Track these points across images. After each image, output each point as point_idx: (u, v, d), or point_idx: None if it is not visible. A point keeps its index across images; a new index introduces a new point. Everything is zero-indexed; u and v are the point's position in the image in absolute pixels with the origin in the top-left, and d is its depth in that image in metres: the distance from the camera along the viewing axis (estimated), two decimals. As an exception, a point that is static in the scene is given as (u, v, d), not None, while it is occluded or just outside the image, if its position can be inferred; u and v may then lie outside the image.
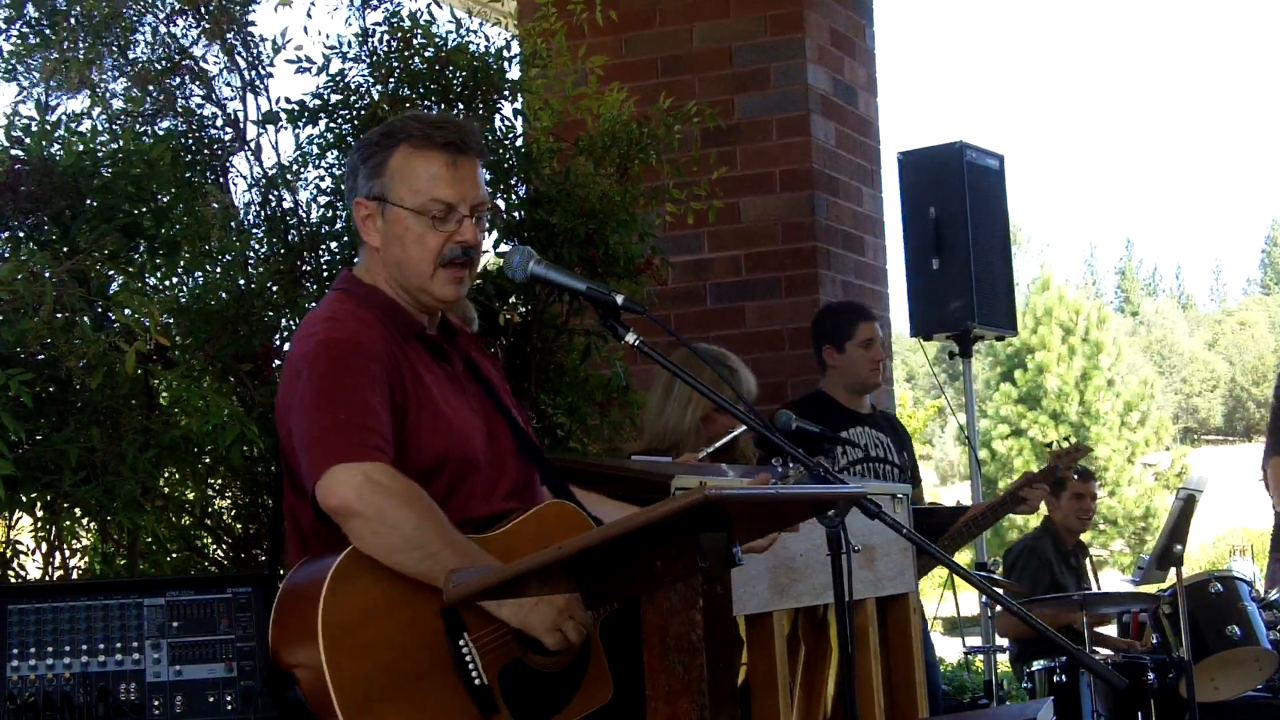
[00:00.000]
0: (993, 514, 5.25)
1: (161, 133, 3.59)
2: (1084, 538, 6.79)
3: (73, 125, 3.40)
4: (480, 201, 2.68)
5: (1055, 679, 5.23)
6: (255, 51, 3.67)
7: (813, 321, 5.22)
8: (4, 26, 3.49)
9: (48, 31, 3.44)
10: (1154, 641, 5.54)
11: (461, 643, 2.44)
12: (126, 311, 2.99)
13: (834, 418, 4.91)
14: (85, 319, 3.01)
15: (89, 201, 3.19)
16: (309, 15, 3.79)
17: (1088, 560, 6.66)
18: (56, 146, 3.26)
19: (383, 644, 2.37)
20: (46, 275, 2.89)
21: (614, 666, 2.67)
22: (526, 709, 2.49)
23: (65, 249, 3.09)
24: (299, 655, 2.35)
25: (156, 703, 2.49)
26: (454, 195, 2.63)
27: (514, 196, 4.03)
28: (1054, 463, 5.33)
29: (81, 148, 3.25)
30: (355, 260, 2.85)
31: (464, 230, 2.64)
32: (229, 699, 2.52)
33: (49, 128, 3.29)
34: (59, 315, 2.97)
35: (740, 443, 3.89)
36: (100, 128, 3.49)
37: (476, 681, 2.43)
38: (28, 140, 3.26)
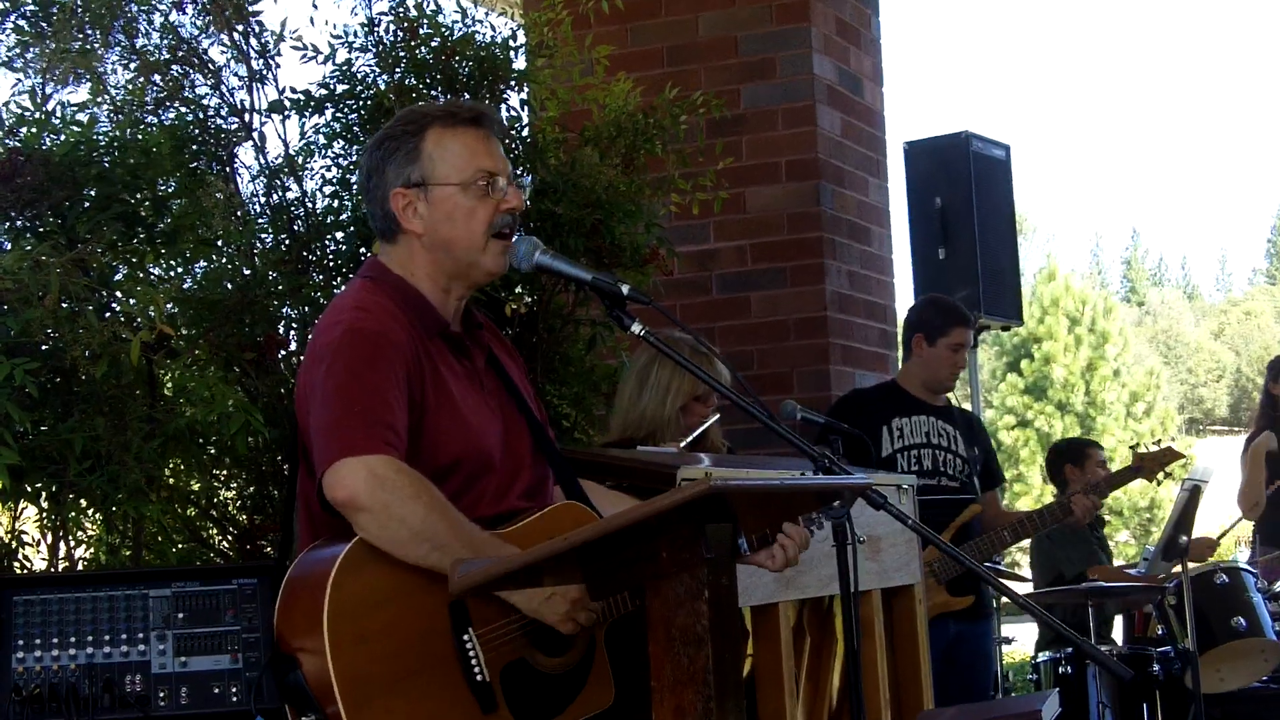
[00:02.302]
0: (1040, 521, 5.07)
1: (167, 122, 3.59)
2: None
3: (69, 115, 3.38)
4: (511, 173, 2.72)
5: (1061, 670, 5.24)
6: (261, 41, 3.66)
7: (913, 308, 5.27)
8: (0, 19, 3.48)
9: (44, 24, 3.42)
10: (1159, 632, 5.54)
11: (465, 638, 2.43)
12: (131, 301, 2.99)
13: (902, 404, 4.99)
14: (89, 308, 3.00)
15: (87, 191, 3.18)
16: (314, 6, 3.78)
17: (1099, 532, 6.69)
18: (53, 136, 3.25)
19: (387, 634, 2.36)
20: (51, 262, 2.88)
21: (617, 671, 2.67)
22: (527, 708, 2.49)
23: (65, 239, 3.08)
24: (303, 640, 2.34)
25: (162, 694, 2.49)
26: (494, 164, 2.67)
27: (523, 182, 4.02)
28: (1137, 464, 5.18)
29: (79, 137, 3.23)
30: (364, 252, 2.85)
31: (511, 196, 2.67)
32: (234, 690, 2.52)
33: (45, 117, 3.28)
34: (64, 305, 2.96)
35: (711, 433, 3.87)
36: (101, 117, 3.48)
37: (478, 677, 2.43)
38: (24, 131, 3.25)
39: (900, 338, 5.23)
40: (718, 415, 3.85)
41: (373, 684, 2.33)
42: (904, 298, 6.84)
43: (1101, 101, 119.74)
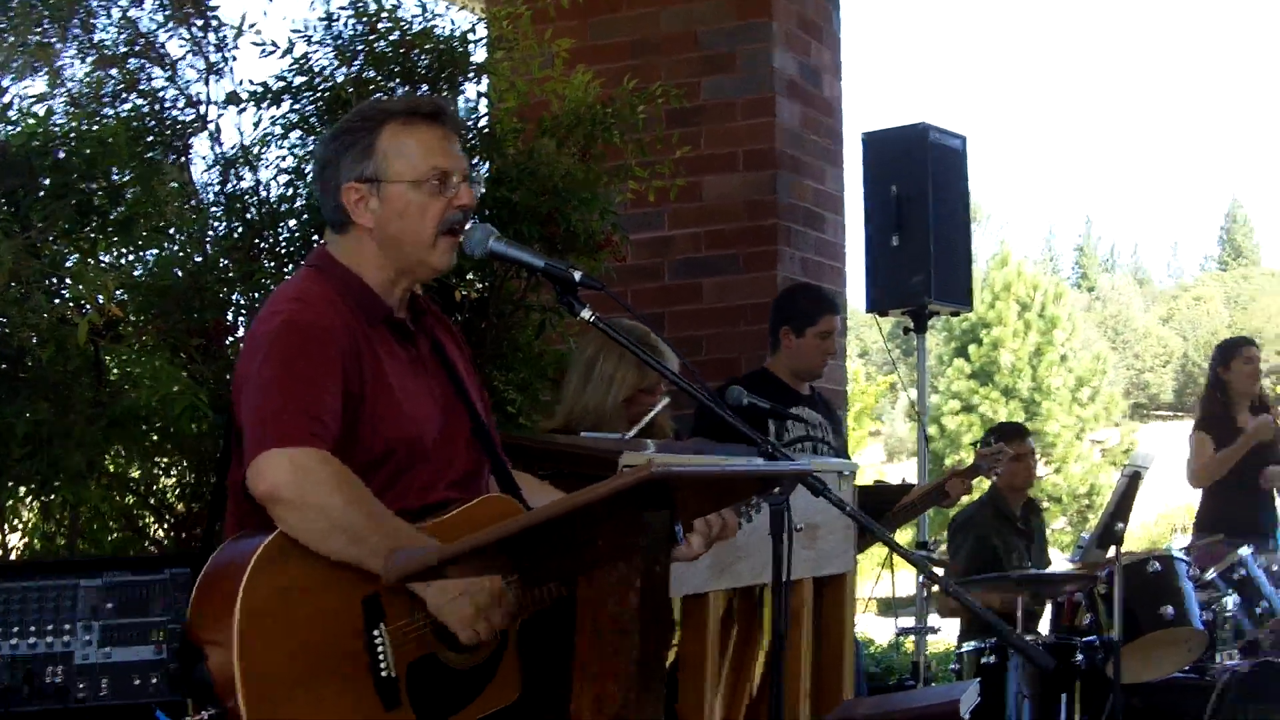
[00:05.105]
0: (920, 504, 5.36)
1: (123, 114, 3.57)
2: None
3: (26, 107, 3.37)
4: (466, 170, 2.74)
5: (984, 660, 5.25)
6: (219, 35, 3.65)
7: (778, 298, 5.22)
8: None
9: (2, 18, 3.39)
10: (1087, 621, 5.55)
11: (376, 633, 2.43)
12: (80, 287, 2.98)
13: (776, 395, 4.89)
14: (39, 292, 2.99)
15: (42, 180, 3.17)
16: (269, -1, 3.79)
17: (1037, 519, 6.64)
18: (9, 127, 3.23)
19: (298, 629, 2.34)
20: (2, 248, 2.86)
21: (528, 668, 2.67)
22: (429, 704, 2.48)
23: (18, 227, 3.05)
24: (213, 632, 2.31)
25: (82, 685, 2.45)
26: (449, 163, 2.69)
27: (476, 175, 4.04)
28: (978, 461, 5.48)
29: (35, 128, 3.22)
30: (317, 240, 2.87)
31: (462, 194, 2.70)
32: (154, 681, 2.49)
33: (1, 109, 3.26)
34: (12, 286, 2.95)
35: (657, 419, 3.83)
36: (57, 109, 3.46)
37: (383, 673, 2.42)
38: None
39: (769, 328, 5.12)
40: (667, 400, 3.83)
41: (277, 680, 2.30)
42: (856, 284, 6.94)
43: (1057, 93, 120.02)
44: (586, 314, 2.63)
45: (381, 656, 2.43)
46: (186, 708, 2.38)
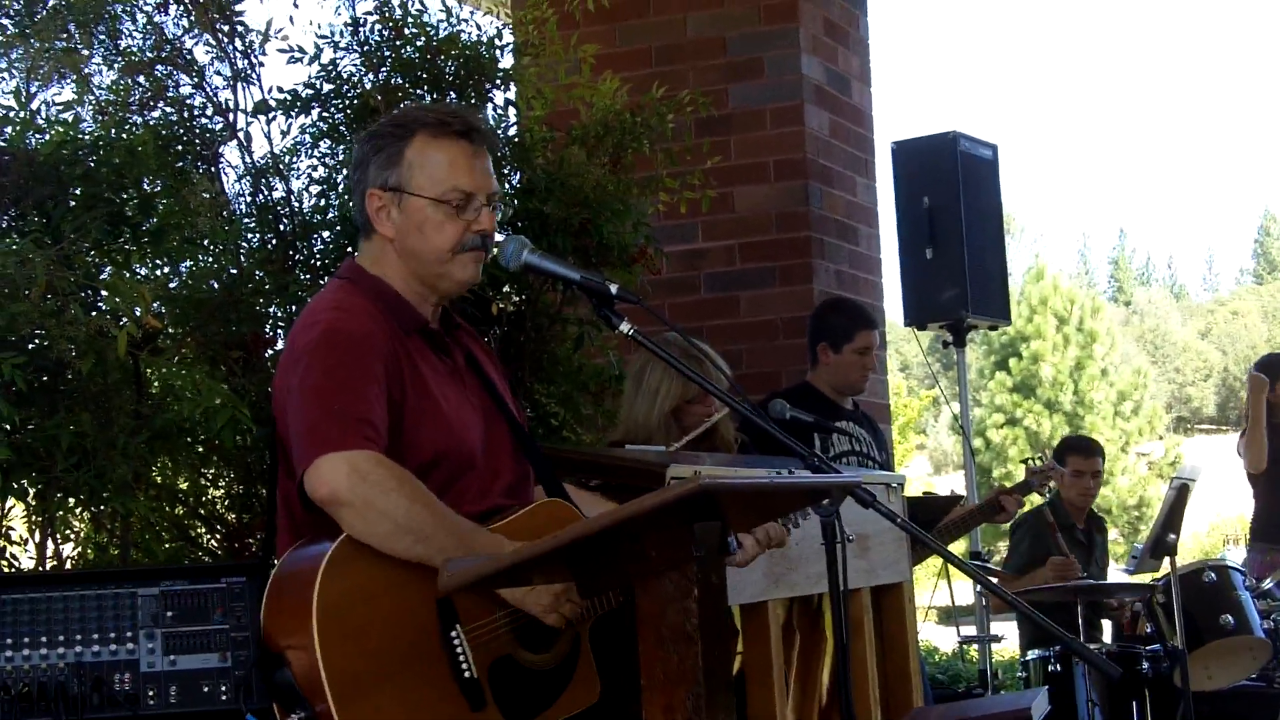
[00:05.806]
0: (972, 520, 5.35)
1: (151, 122, 3.58)
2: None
3: (54, 114, 3.39)
4: (494, 191, 2.70)
5: (1050, 668, 5.23)
6: (246, 41, 3.65)
7: (814, 314, 5.19)
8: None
9: (28, 23, 3.42)
10: (1148, 630, 5.55)
11: (453, 634, 2.43)
12: (116, 299, 2.98)
13: (819, 410, 4.89)
14: (75, 304, 2.99)
15: (72, 190, 3.18)
16: (295, 5, 3.76)
17: (1100, 535, 6.63)
18: (38, 135, 3.25)
19: (375, 630, 2.37)
20: (36, 260, 2.86)
21: (602, 668, 2.67)
22: (514, 705, 2.49)
23: (50, 238, 3.07)
24: (291, 637, 2.34)
25: (151, 693, 2.48)
26: (473, 184, 2.65)
27: (507, 186, 4.02)
28: (1029, 479, 5.52)
29: (63, 136, 3.23)
30: (351, 251, 2.85)
31: (482, 219, 2.66)
32: (223, 689, 2.51)
33: (29, 116, 3.28)
34: (48, 299, 2.95)
35: (719, 429, 3.82)
36: (85, 117, 3.48)
37: (466, 674, 2.43)
38: (9, 130, 3.25)
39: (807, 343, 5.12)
40: (726, 410, 3.77)
41: (362, 680, 2.32)
42: (892, 297, 6.87)
43: (1088, 101, 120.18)
44: (625, 327, 2.60)
45: (462, 658, 2.44)
46: (274, 713, 2.40)
